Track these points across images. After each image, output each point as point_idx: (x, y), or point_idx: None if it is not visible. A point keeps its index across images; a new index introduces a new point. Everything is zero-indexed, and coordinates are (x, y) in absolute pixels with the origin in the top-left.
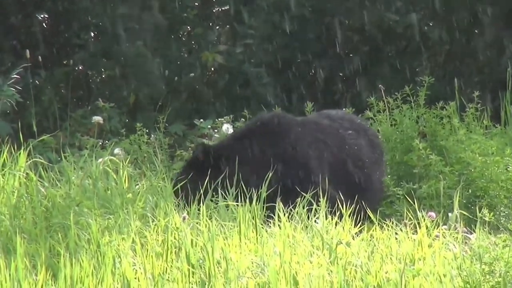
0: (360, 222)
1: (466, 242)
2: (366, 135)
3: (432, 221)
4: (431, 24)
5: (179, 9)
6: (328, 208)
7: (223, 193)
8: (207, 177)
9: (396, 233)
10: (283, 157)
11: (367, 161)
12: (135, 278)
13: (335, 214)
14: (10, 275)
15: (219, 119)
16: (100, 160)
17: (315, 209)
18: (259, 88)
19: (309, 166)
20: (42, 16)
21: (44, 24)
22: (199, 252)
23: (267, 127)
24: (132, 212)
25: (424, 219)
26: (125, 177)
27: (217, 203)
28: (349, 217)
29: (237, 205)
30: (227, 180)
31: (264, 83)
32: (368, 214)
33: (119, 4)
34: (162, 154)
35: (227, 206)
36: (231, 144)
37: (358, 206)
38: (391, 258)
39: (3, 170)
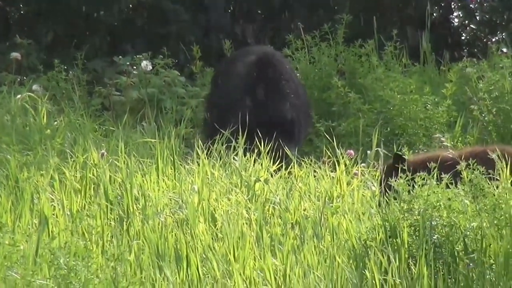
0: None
1: None
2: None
3: (351, 159)
4: None
5: None
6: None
7: (141, 130)
8: None
9: (314, 171)
10: None
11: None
12: (53, 214)
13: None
14: None
15: (137, 56)
16: (18, 96)
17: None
18: (178, 26)
19: None
20: None
21: None
22: (117, 188)
23: None
24: (50, 148)
25: (343, 157)
26: (44, 113)
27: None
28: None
29: (156, 141)
30: None
31: (182, 20)
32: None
33: None
34: (80, 90)
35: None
36: None
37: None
38: (309, 196)
39: None
